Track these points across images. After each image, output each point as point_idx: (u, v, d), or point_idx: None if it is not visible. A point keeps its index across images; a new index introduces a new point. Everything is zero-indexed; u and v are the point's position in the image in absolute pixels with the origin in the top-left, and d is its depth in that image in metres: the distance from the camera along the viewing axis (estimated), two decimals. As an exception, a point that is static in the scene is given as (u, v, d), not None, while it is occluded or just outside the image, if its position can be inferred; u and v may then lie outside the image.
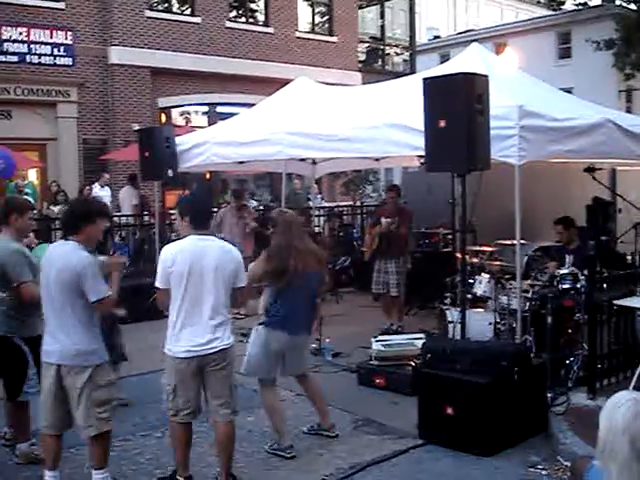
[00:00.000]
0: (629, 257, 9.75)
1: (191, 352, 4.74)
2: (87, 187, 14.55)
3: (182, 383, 4.81)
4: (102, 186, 15.34)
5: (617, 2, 32.29)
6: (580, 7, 33.46)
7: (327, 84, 11.10)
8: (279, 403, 5.90)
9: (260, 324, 5.82)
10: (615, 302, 6.76)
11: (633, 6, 30.13)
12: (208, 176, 18.81)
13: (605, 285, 6.84)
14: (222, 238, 11.00)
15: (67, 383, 4.64)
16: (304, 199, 16.67)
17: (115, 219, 13.97)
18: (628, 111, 28.35)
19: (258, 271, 5.78)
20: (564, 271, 7.50)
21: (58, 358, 4.62)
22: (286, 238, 5.70)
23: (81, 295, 4.55)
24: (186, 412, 4.86)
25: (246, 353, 5.84)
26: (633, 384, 6.05)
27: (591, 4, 33.38)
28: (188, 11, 19.20)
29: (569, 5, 34.76)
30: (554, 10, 36.82)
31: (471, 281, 8.17)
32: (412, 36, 29.37)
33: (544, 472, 5.31)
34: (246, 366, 5.83)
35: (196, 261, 4.74)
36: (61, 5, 16.95)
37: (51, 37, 16.70)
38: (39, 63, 16.57)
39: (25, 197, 11.20)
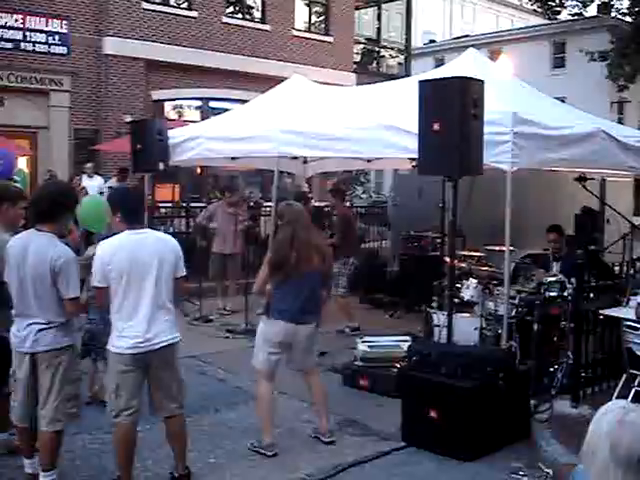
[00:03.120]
0: (617, 267, 9.79)
1: (137, 348, 4.63)
2: (77, 177, 14.45)
3: (125, 381, 4.67)
4: (90, 175, 15.18)
5: (612, 14, 32.47)
6: (576, 17, 33.61)
7: (321, 83, 11.08)
8: (269, 399, 5.79)
9: (260, 314, 5.79)
10: (601, 312, 6.79)
11: (628, 18, 30.30)
12: (199, 171, 18.76)
13: (592, 294, 6.87)
14: (213, 232, 11.15)
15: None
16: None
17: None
18: (620, 122, 28.46)
19: (265, 267, 5.74)
20: (551, 279, 7.51)
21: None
22: (290, 230, 5.69)
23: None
24: (129, 412, 4.70)
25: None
26: (616, 393, 6.07)
27: (587, 15, 33.53)
28: (185, 4, 19.08)
29: (565, 15, 34.93)
30: (550, 19, 36.96)
31: (458, 285, 8.17)
32: (408, 39, 29.30)
33: (525, 478, 5.30)
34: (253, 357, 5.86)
35: (136, 256, 4.64)
36: (57, -7, 16.83)
37: (46, 25, 16.54)
38: (33, 51, 16.41)
39: (15, 185, 11.08)
